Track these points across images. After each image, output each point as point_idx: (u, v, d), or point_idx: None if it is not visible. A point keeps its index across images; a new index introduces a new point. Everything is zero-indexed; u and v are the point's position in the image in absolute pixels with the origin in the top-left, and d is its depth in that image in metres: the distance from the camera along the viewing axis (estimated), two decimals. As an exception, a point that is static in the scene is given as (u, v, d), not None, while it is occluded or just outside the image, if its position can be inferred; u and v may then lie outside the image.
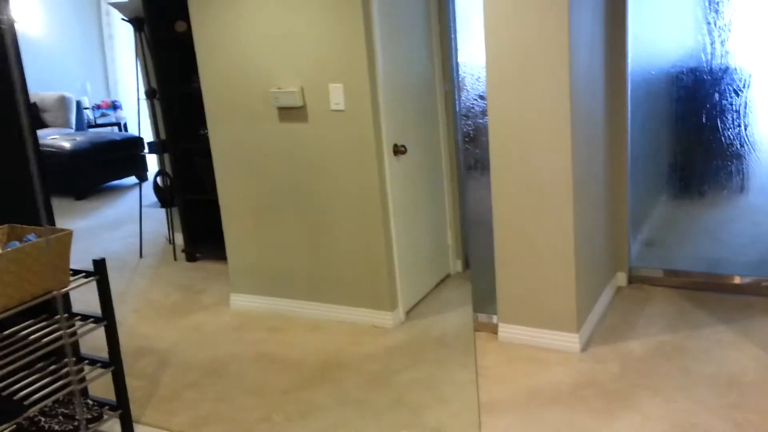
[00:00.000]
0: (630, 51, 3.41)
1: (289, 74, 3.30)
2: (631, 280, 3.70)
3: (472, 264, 3.25)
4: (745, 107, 3.28)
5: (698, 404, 2.55)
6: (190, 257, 4.66)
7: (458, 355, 3.08)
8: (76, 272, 2.30)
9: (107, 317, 2.31)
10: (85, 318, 2.36)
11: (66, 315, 2.36)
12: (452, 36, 3.59)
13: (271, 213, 3.57)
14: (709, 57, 3.31)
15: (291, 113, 3.35)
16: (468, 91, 3.02)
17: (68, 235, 2.13)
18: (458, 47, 3.00)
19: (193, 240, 4.66)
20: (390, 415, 2.66)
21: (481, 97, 2.99)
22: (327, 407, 2.76)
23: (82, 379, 2.33)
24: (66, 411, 2.41)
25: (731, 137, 3.35)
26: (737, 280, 3.49)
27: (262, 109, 3.42)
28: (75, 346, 2.51)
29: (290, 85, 3.31)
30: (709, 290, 3.53)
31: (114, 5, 4.59)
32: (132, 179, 7.54)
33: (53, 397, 2.14)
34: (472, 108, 3.03)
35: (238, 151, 3.56)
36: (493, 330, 3.24)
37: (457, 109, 3.07)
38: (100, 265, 2.26)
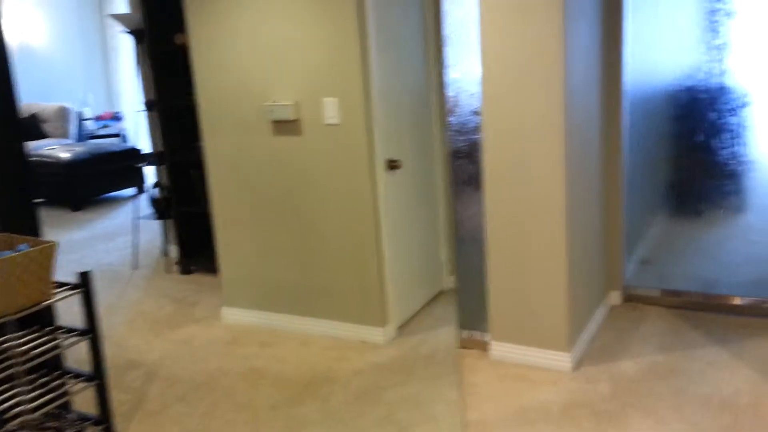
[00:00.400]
0: (627, 69, 3.41)
1: (284, 88, 3.29)
2: (626, 298, 3.67)
3: (459, 281, 3.22)
4: (743, 126, 3.27)
5: (691, 426, 2.51)
6: (185, 270, 4.64)
7: (449, 373, 3.05)
8: (62, 284, 2.28)
9: (92, 330, 2.28)
10: (70, 331, 2.34)
11: (51, 328, 2.33)
12: (438, 53, 3.59)
13: (263, 226, 3.55)
14: (706, 76, 3.30)
15: (285, 126, 3.34)
16: (462, 106, 3.01)
17: (51, 247, 2.11)
18: (451, 63, 2.99)
19: (187, 252, 4.65)
20: (377, 433, 2.63)
21: (476, 113, 2.98)
22: (315, 423, 2.72)
23: (65, 393, 2.30)
24: (50, 425, 2.38)
25: (728, 156, 3.33)
26: (733, 300, 3.45)
27: (256, 122, 3.41)
28: (59, 359, 2.49)
29: (285, 98, 3.30)
30: (705, 310, 3.50)
31: (115, 17, 4.61)
32: (130, 190, 7.55)
33: (37, 413, 2.11)
34: (466, 124, 3.02)
35: (232, 164, 3.55)
36: (485, 347, 3.20)
37: (450, 124, 3.05)
38: (85, 278, 2.24)
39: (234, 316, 3.78)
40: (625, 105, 3.45)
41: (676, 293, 3.57)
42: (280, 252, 3.55)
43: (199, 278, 4.54)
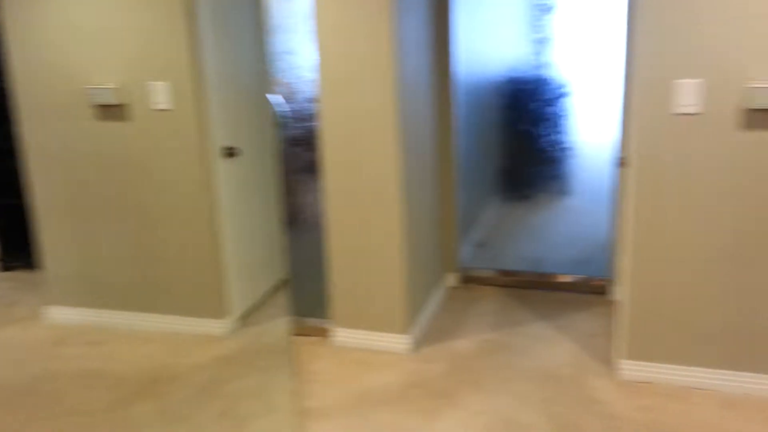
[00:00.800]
0: (460, 61, 3.53)
1: (108, 70, 3.09)
2: (463, 280, 3.83)
3: (295, 269, 3.21)
4: (564, 115, 3.50)
5: (517, 399, 2.66)
6: (4, 266, 4.26)
7: (290, 362, 3.03)
8: None
9: None
10: None
11: None
12: (274, 40, 3.54)
13: (93, 218, 3.33)
14: (529, 68, 3.49)
15: (111, 112, 3.14)
16: (299, 93, 2.98)
17: None
18: (286, 51, 2.95)
19: (6, 248, 4.27)
20: (214, 428, 2.55)
21: (312, 101, 2.96)
22: (149, 424, 2.60)
23: None
24: None
25: (550, 143, 3.56)
26: (559, 278, 3.71)
27: (79, 107, 3.18)
28: None
29: (109, 81, 3.10)
30: (534, 288, 3.73)
31: None
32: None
33: None
34: (303, 111, 2.99)
35: (54, 152, 3.29)
36: (326, 334, 3.22)
37: (287, 112, 3.01)
38: None
39: (60, 315, 3.52)
40: (458, 95, 3.58)
41: (508, 273, 3.78)
42: (111, 245, 3.34)
43: (19, 275, 4.19)
